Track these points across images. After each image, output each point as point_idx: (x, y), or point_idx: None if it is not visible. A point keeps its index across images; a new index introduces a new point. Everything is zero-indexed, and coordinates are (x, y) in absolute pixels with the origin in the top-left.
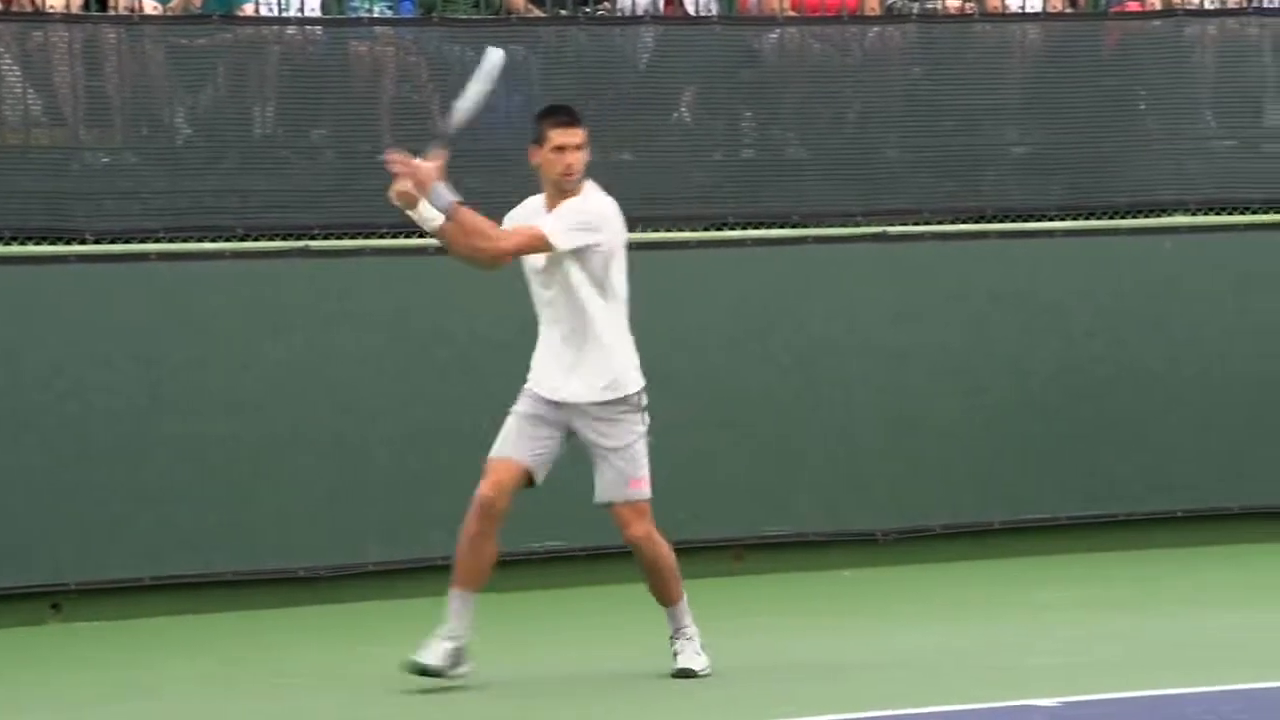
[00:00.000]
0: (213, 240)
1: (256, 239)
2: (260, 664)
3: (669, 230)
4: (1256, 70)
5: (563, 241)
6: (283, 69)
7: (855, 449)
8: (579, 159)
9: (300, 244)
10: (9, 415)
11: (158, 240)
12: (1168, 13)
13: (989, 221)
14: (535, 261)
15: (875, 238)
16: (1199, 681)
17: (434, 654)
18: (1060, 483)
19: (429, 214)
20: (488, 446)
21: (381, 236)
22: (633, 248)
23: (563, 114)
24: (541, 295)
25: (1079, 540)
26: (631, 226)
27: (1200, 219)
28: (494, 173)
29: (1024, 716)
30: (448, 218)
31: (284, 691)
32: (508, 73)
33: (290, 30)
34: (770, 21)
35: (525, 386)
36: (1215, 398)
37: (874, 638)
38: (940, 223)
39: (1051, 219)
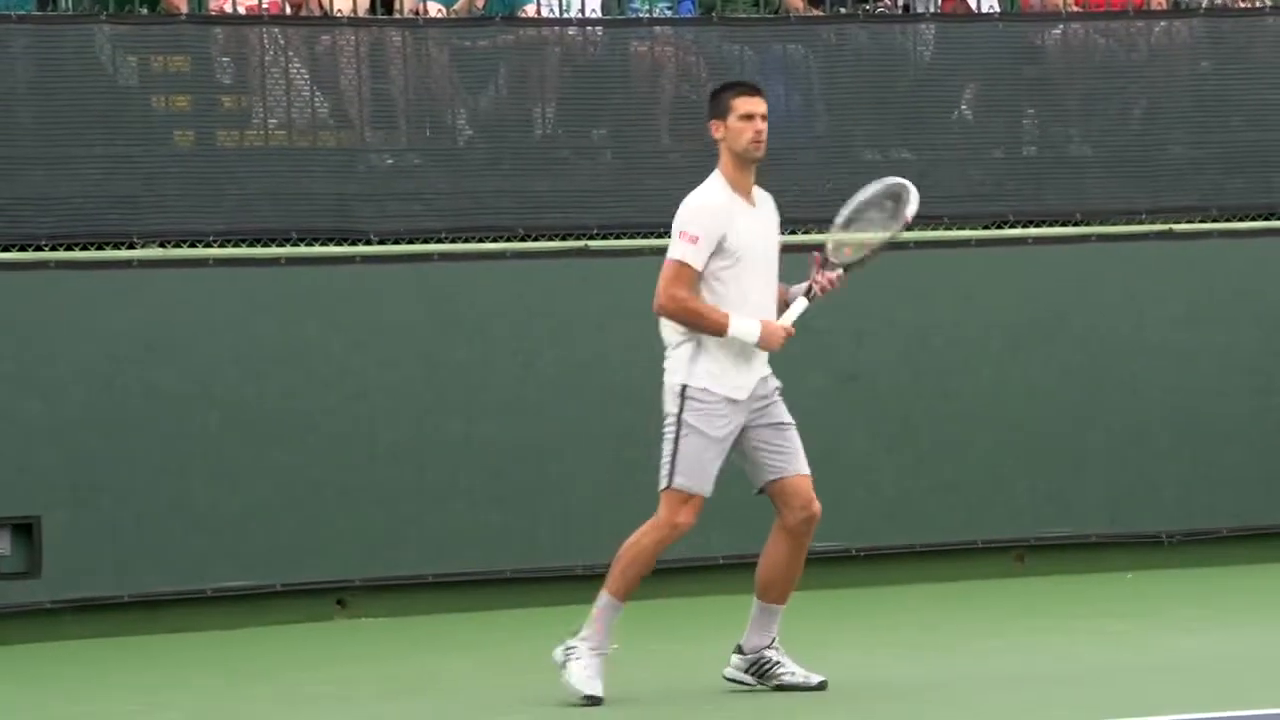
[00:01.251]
0: (494, 240)
1: (536, 239)
2: (537, 660)
3: (948, 228)
4: None
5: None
6: (563, 70)
7: (1139, 449)
8: (765, 128)
9: (580, 244)
10: (297, 415)
11: (440, 241)
12: None
13: (1279, 218)
14: (751, 250)
15: (1161, 235)
16: None
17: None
18: None
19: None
20: None
21: (660, 236)
22: (910, 246)
23: (746, 84)
24: (739, 284)
25: None
26: (910, 224)
27: None
28: (770, 171)
29: None
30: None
31: (554, 685)
32: (786, 71)
33: (571, 31)
34: (1054, 17)
35: (707, 395)
36: None
37: (1158, 641)
38: (1228, 220)
39: None
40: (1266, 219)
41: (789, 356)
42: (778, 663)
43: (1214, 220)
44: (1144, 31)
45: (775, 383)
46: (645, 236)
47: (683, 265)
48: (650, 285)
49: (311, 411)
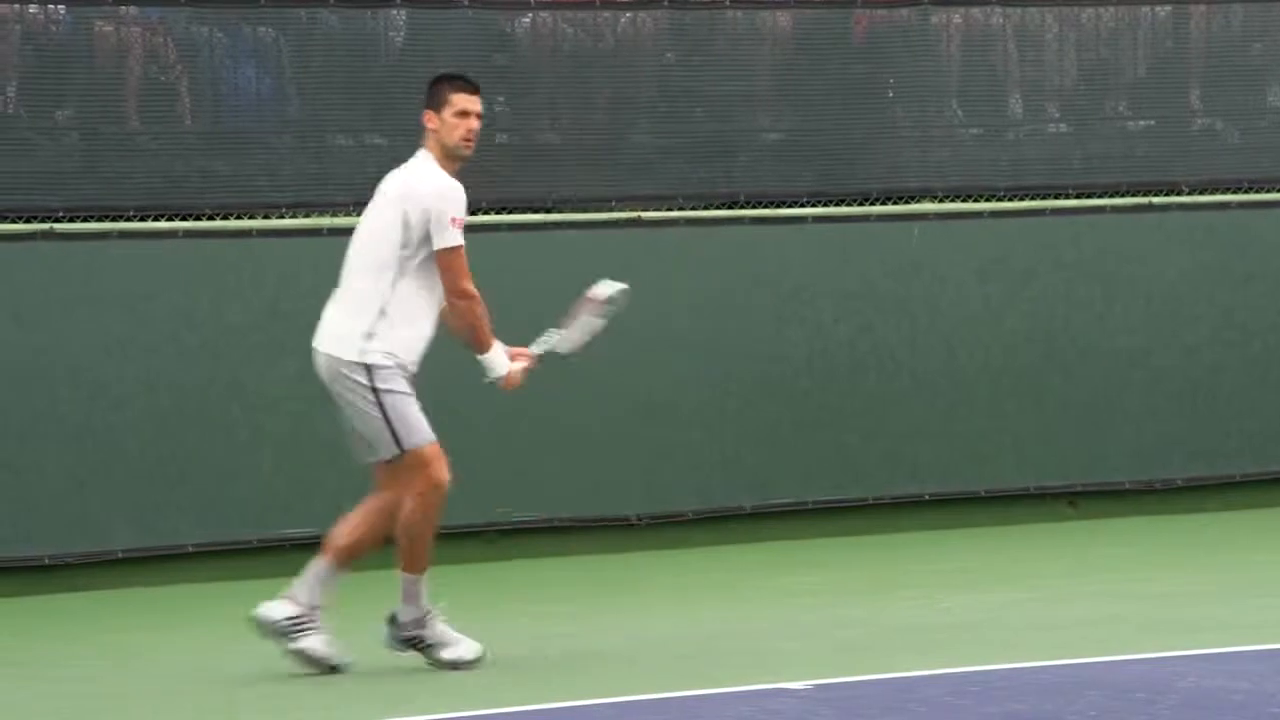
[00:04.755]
0: None
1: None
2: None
3: None
4: (1000, 60)
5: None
6: (25, 49)
7: (607, 433)
8: (478, 127)
9: (45, 226)
10: None
11: None
12: (914, 2)
13: (741, 208)
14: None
15: (628, 223)
16: (943, 664)
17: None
18: (809, 467)
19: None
20: (233, 432)
21: (127, 219)
22: None
23: (465, 80)
24: (432, 276)
25: (827, 524)
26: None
27: (947, 206)
28: (241, 155)
29: (776, 699)
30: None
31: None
32: (258, 55)
33: (33, 9)
34: (522, 6)
35: (397, 364)
36: (960, 383)
37: (626, 623)
38: (693, 209)
39: (802, 205)
40: (730, 208)
41: (248, 342)
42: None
43: (680, 209)
44: (610, 22)
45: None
46: (112, 219)
47: (461, 249)
48: (116, 269)
49: None
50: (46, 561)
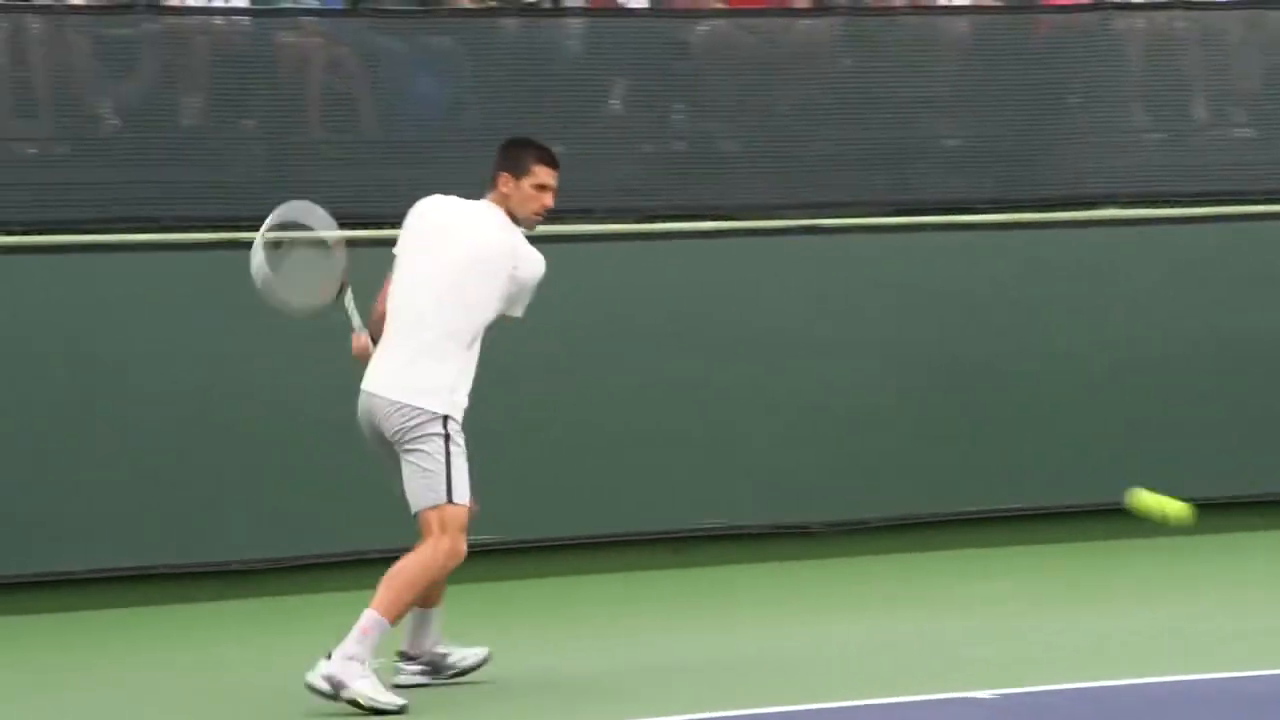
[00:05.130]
0: (140, 232)
1: (185, 230)
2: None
3: (598, 222)
4: (1184, 64)
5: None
6: (210, 59)
7: (790, 441)
8: (552, 205)
9: (230, 235)
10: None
11: (84, 231)
12: (1095, 6)
13: (920, 214)
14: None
15: (806, 230)
16: (1133, 674)
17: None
18: (994, 476)
19: None
20: None
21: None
22: (554, 240)
23: (549, 153)
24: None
25: (1013, 533)
26: (560, 219)
27: (1130, 212)
28: (419, 164)
29: (964, 708)
30: None
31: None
32: (437, 64)
33: (217, 20)
34: (699, 14)
35: (457, 420)
36: (1145, 390)
37: (811, 631)
38: (871, 215)
39: (982, 211)
40: (907, 214)
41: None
42: (448, 654)
43: (857, 216)
44: (787, 28)
45: None
46: (299, 229)
47: None
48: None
49: None
50: (234, 568)
